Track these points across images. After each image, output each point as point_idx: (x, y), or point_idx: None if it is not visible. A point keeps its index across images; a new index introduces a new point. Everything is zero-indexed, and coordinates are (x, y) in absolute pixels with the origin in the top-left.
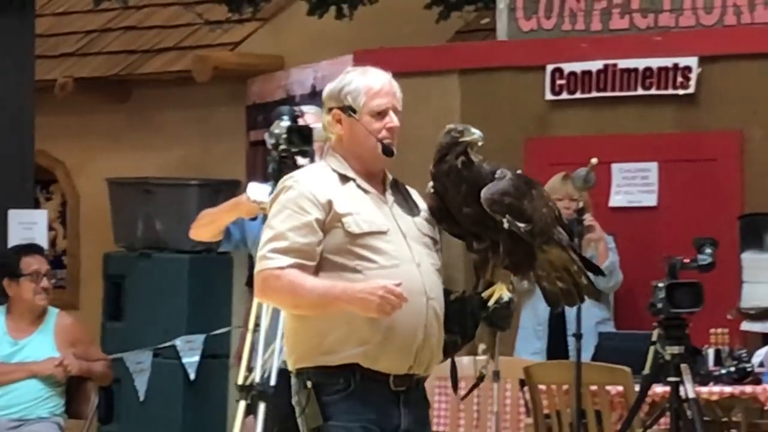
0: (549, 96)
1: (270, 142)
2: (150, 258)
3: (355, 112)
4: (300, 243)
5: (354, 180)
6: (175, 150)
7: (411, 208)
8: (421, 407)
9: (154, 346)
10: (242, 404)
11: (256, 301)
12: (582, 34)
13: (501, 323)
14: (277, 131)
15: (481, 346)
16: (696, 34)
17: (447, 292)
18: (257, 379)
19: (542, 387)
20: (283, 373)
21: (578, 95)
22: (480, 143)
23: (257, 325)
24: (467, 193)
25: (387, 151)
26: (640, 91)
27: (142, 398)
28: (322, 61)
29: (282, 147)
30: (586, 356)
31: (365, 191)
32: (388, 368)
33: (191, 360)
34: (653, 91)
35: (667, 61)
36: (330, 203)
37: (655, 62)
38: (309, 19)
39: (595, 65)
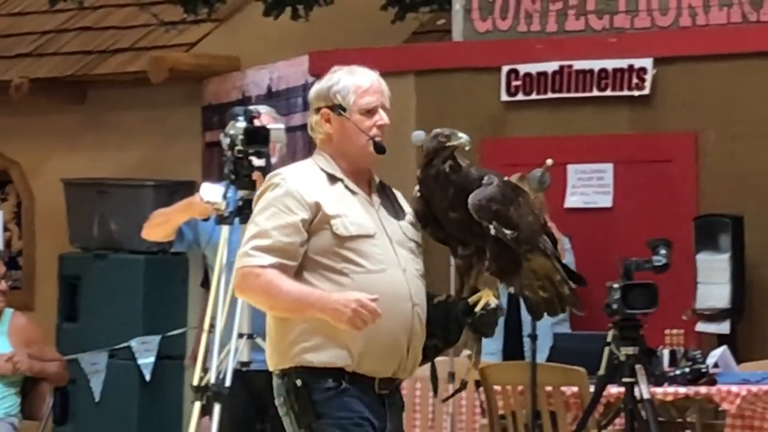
0: (504, 97)
1: (225, 142)
2: (105, 259)
3: (344, 110)
4: (283, 242)
5: (342, 180)
6: (130, 151)
7: (397, 212)
8: (400, 411)
9: (109, 347)
10: (197, 405)
11: (211, 301)
12: (537, 36)
13: (486, 329)
14: (232, 132)
15: (466, 352)
16: (651, 35)
17: (430, 296)
18: (212, 380)
19: (497, 388)
20: (238, 374)
21: (534, 96)
22: (467, 148)
23: (212, 326)
24: (454, 198)
25: (379, 148)
26: (596, 93)
27: (97, 399)
28: (278, 61)
29: (238, 147)
30: (542, 357)
31: (353, 192)
32: (372, 371)
33: (146, 361)
34: (608, 93)
35: (623, 63)
36: (318, 204)
37: (611, 63)
38: (265, 19)
39: (551, 66)
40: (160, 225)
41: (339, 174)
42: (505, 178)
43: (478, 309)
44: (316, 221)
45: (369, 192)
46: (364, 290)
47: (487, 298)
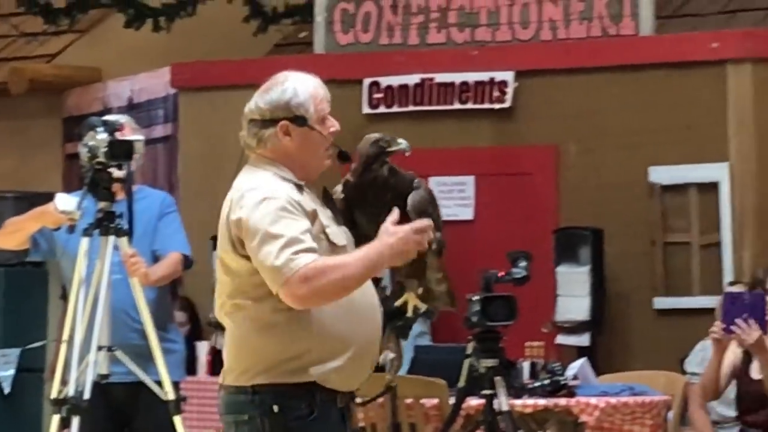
0: (366, 110)
1: (84, 153)
2: None
3: (306, 121)
4: (312, 246)
5: (305, 191)
6: None
7: (338, 219)
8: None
9: None
10: (56, 418)
11: (69, 313)
12: (399, 48)
13: (407, 332)
14: (92, 143)
15: (390, 354)
16: (512, 48)
17: None
18: (71, 393)
19: (358, 400)
20: (97, 386)
21: (395, 109)
22: (407, 153)
23: (71, 337)
24: (392, 201)
25: (344, 156)
26: (457, 105)
27: None
28: (139, 73)
29: (99, 159)
30: (402, 369)
31: (314, 202)
32: (349, 385)
33: (6, 374)
34: (470, 105)
35: (484, 76)
36: (315, 212)
37: (472, 76)
38: (126, 31)
39: (412, 79)
40: (12, 233)
41: (301, 184)
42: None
43: (410, 313)
44: (315, 230)
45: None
46: (353, 301)
47: (414, 301)
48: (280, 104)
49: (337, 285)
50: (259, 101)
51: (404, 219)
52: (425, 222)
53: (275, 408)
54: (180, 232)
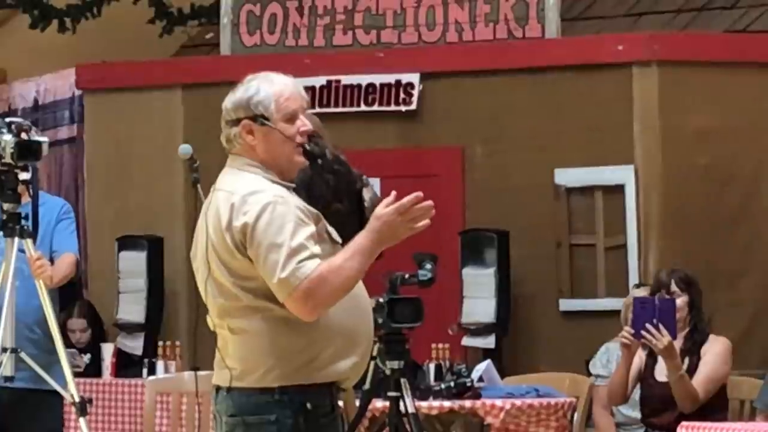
0: None
1: None
2: None
3: (267, 120)
4: (316, 252)
5: (289, 190)
6: None
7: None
8: None
9: None
10: None
11: None
12: (305, 50)
13: None
14: None
15: None
16: (418, 50)
17: None
18: None
19: None
20: None
21: None
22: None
23: None
24: (337, 188)
25: (308, 154)
26: (363, 107)
27: None
28: (45, 74)
29: (5, 160)
30: None
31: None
32: (356, 379)
33: None
34: (376, 107)
35: (390, 78)
36: (319, 216)
37: (378, 78)
38: (31, 32)
39: (319, 81)
40: None
41: (290, 186)
42: None
43: None
44: (318, 230)
45: None
46: (355, 297)
47: None
48: (242, 103)
49: (339, 289)
50: (226, 101)
51: (356, 210)
52: (407, 200)
53: (309, 406)
54: (75, 237)
